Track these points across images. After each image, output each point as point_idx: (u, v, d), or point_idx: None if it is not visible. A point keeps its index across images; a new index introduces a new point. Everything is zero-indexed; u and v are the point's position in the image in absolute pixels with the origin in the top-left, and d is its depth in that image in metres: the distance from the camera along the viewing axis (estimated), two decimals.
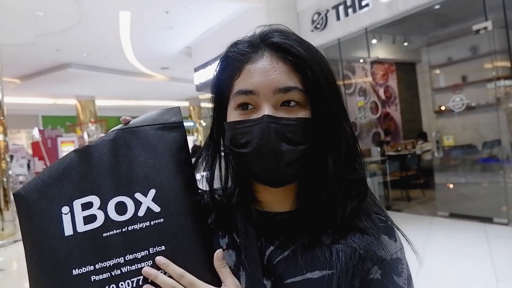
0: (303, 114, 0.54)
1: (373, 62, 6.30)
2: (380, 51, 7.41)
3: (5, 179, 5.98)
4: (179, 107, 0.59)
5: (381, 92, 8.48)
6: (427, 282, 3.06)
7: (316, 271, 0.55)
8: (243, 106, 0.55)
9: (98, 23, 8.28)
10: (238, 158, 0.56)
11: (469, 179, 5.32)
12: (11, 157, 8.86)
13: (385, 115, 8.23)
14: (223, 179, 0.63)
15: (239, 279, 0.54)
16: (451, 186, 5.33)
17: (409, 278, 0.61)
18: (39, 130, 10.89)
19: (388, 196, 6.05)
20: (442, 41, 6.05)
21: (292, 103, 0.54)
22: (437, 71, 6.12)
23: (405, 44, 7.55)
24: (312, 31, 6.55)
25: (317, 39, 6.54)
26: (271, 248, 0.57)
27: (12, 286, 4.17)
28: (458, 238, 4.12)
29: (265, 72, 0.53)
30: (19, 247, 5.54)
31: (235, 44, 0.59)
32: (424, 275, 3.17)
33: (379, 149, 6.50)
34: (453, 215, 4.85)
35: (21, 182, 9.31)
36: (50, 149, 10.51)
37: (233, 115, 0.56)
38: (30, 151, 10.93)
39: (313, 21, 6.51)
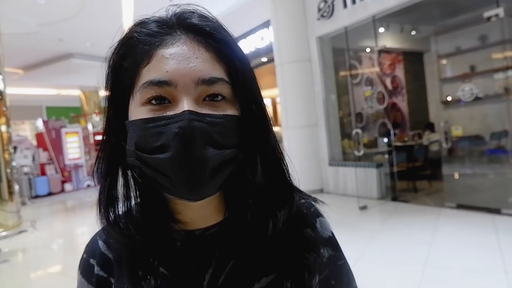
0: (230, 111, 0.45)
1: (381, 51, 6.19)
2: (388, 40, 7.29)
3: (8, 171, 5.99)
4: None
5: (388, 82, 8.37)
6: (434, 274, 3.02)
7: (263, 278, 0.48)
8: (154, 101, 0.43)
9: (101, 12, 8.19)
10: (149, 167, 0.43)
11: (477, 170, 5.25)
12: (15, 148, 8.87)
13: (392, 106, 8.14)
14: (122, 200, 0.49)
15: None
16: (458, 177, 5.27)
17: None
18: (43, 121, 10.89)
19: (394, 187, 6.00)
20: (451, 30, 5.92)
21: (219, 98, 0.44)
22: (445, 61, 6.01)
23: (413, 33, 7.41)
24: (319, 19, 6.43)
25: (323, 28, 6.43)
26: (210, 271, 0.49)
27: (16, 277, 4.20)
28: (465, 229, 4.07)
29: (185, 58, 0.43)
30: (24, 238, 5.58)
31: (142, 23, 0.47)
32: (431, 267, 3.13)
33: (385, 139, 6.43)
34: (460, 206, 4.80)
35: (25, 174, 9.33)
36: (54, 140, 10.52)
37: (139, 112, 0.44)
38: (35, 142, 10.96)
39: (319, 9, 6.39)
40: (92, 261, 0.51)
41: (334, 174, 6.57)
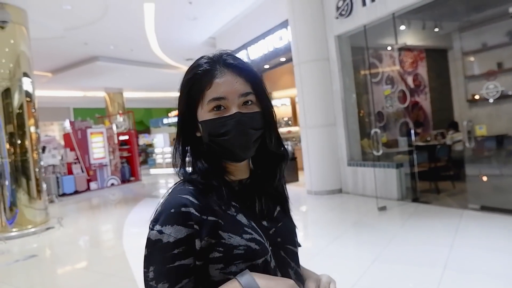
0: (256, 109, 0.78)
1: (401, 49, 6.06)
2: (409, 37, 7.12)
3: (37, 170, 6.25)
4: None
5: (409, 80, 8.18)
6: (454, 277, 2.94)
7: (277, 206, 0.87)
8: (216, 109, 0.75)
9: (124, 15, 8.42)
10: (219, 145, 0.76)
11: (503, 171, 5.05)
12: (44, 148, 9.25)
13: (414, 104, 7.94)
14: (195, 165, 0.80)
15: (256, 229, 0.76)
16: (483, 178, 5.09)
17: None
18: (70, 122, 11.28)
19: (415, 188, 5.86)
20: (476, 25, 5.72)
21: (249, 103, 0.77)
22: (471, 58, 5.81)
23: (436, 29, 7.20)
24: (337, 18, 6.37)
25: (342, 27, 6.36)
26: (257, 203, 0.83)
27: (44, 271, 4.38)
28: (489, 232, 3.93)
29: (231, 83, 0.75)
30: (51, 234, 5.81)
31: (199, 65, 0.78)
32: (451, 270, 3.05)
33: (406, 139, 6.29)
34: (484, 208, 4.63)
35: (53, 172, 9.71)
36: (80, 140, 10.88)
37: (208, 115, 0.76)
38: (63, 143, 11.36)
39: (337, 8, 6.32)
40: (184, 209, 0.70)
41: (353, 174, 6.49)
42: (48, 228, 6.09)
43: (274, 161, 0.85)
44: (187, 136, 0.81)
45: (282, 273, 0.78)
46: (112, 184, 11.49)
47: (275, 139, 0.83)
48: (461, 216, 4.55)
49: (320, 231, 4.84)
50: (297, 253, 0.86)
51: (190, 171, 0.81)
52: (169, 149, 16.11)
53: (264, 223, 0.80)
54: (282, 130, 10.75)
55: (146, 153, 17.91)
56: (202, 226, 0.70)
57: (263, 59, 8.85)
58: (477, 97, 5.50)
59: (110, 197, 9.82)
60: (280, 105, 11.59)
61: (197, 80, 0.77)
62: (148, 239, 0.70)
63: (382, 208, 5.21)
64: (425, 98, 8.49)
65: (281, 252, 0.80)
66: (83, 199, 9.49)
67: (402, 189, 5.77)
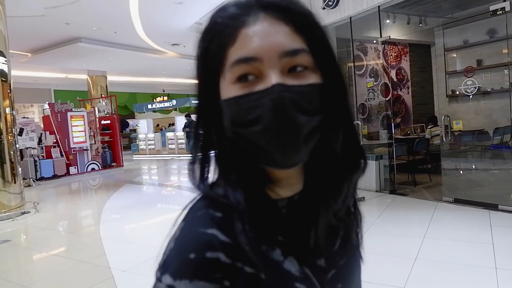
0: (313, 79, 0.46)
1: (385, 42, 6.10)
2: (394, 31, 7.17)
3: (12, 152, 6.09)
4: None
5: (393, 74, 8.27)
6: (426, 266, 3.04)
7: (339, 236, 0.57)
8: (243, 78, 0.45)
9: None
10: (247, 140, 0.46)
11: (478, 165, 5.21)
12: (21, 130, 9.00)
13: (396, 98, 8.05)
14: (221, 170, 0.51)
15: (311, 282, 0.50)
16: (458, 171, 5.23)
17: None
18: (49, 104, 11.00)
19: (394, 179, 5.98)
20: (458, 22, 5.81)
21: (299, 68, 0.46)
22: (453, 54, 5.92)
23: (420, 25, 7.28)
24: (324, 8, 6.35)
25: (328, 17, 6.35)
26: (312, 232, 0.52)
27: (17, 256, 4.31)
28: (460, 224, 4.07)
29: (267, 34, 0.45)
30: (26, 219, 5.70)
31: (223, 8, 0.49)
32: (423, 260, 3.15)
33: (387, 132, 6.39)
34: (457, 201, 4.78)
35: (31, 155, 9.48)
36: (60, 123, 10.64)
37: (231, 90, 0.46)
38: (42, 125, 11.10)
39: None
40: (210, 254, 0.43)
41: None
42: (23, 213, 5.96)
43: (341, 169, 0.52)
44: (208, 125, 0.51)
45: None
46: (93, 169, 11.32)
47: (346, 133, 0.51)
48: (435, 208, 4.69)
49: None
50: None
51: (214, 180, 0.52)
52: (152, 135, 15.95)
53: (321, 262, 0.53)
54: None
55: (130, 138, 17.69)
56: (234, 281, 0.44)
57: None
58: (456, 92, 5.62)
59: (90, 182, 9.69)
60: None
61: (217, 32, 0.48)
62: None
63: (360, 199, 5.28)
64: (408, 92, 8.61)
65: None
66: (62, 184, 9.33)
67: (380, 181, 5.89)
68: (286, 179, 0.51)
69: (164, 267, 0.44)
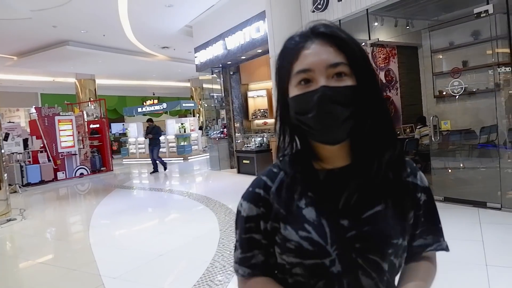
0: (349, 82, 0.67)
1: (374, 45, 6.17)
2: (382, 34, 7.25)
3: None
4: None
5: (382, 75, 8.36)
6: None
7: (382, 203, 0.71)
8: (303, 82, 0.68)
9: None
10: (304, 123, 0.69)
11: (466, 164, 5.28)
12: (7, 135, 8.82)
13: (385, 99, 8.12)
14: (290, 148, 0.77)
15: (322, 228, 0.69)
16: (447, 170, 5.30)
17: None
18: (36, 108, 10.80)
19: None
20: (444, 25, 5.90)
21: (342, 75, 0.67)
22: (439, 56, 6.01)
23: (408, 27, 7.37)
24: (313, 11, 6.39)
25: (317, 20, 6.39)
26: (344, 196, 0.71)
27: (4, 265, 4.17)
28: (450, 222, 4.11)
29: (318, 53, 0.68)
30: (12, 226, 5.55)
31: (291, 38, 0.74)
32: None
33: None
34: (447, 199, 4.84)
35: (17, 161, 9.29)
36: (47, 127, 10.46)
37: (295, 91, 0.69)
38: (29, 130, 10.88)
39: (314, 1, 6.34)
40: (258, 190, 0.76)
41: None
42: (9, 220, 5.82)
43: (376, 149, 0.71)
44: (285, 116, 0.75)
45: (350, 280, 0.69)
46: (82, 174, 11.15)
47: (377, 122, 0.70)
48: None
49: None
50: (383, 267, 0.70)
51: (286, 152, 0.78)
52: (142, 139, 15.80)
53: (345, 222, 0.70)
54: (258, 122, 10.75)
55: (120, 142, 17.48)
56: (268, 209, 0.74)
57: (240, 49, 8.77)
58: (443, 92, 5.71)
59: (79, 187, 9.54)
60: (256, 97, 11.59)
61: (286, 54, 0.73)
62: (238, 207, 0.79)
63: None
64: (396, 93, 8.71)
65: (358, 260, 0.69)
66: (49, 189, 9.17)
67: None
68: (329, 157, 0.74)
69: (244, 192, 0.78)
